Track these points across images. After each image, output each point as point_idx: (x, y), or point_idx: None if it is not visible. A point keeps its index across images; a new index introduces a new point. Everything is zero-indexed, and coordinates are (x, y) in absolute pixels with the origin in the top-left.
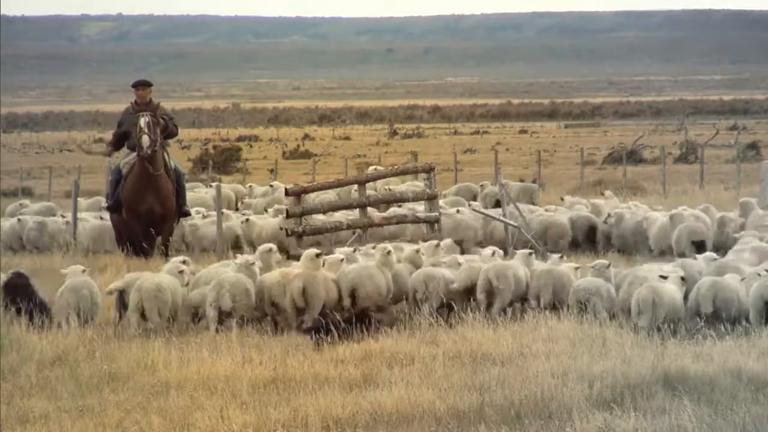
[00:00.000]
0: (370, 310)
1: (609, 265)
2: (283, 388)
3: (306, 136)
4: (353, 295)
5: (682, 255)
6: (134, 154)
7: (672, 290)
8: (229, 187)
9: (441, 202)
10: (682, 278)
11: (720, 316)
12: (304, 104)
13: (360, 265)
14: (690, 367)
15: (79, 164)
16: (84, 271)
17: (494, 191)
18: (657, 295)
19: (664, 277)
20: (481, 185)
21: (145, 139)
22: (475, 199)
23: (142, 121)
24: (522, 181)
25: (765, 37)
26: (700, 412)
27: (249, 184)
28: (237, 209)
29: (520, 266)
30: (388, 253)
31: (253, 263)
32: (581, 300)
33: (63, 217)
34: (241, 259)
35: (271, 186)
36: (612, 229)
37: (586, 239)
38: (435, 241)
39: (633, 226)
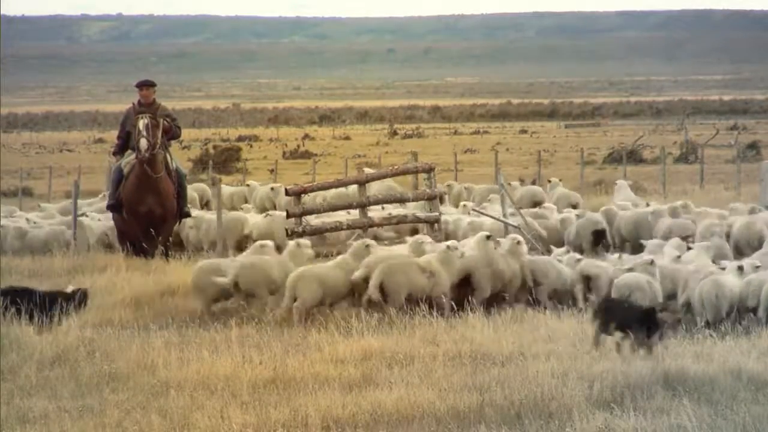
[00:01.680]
0: (656, 310)
1: (652, 261)
2: (283, 388)
3: (306, 136)
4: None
5: (579, 249)
6: (135, 154)
7: (733, 283)
8: (191, 187)
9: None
10: (740, 267)
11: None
12: (304, 104)
13: (479, 253)
14: (690, 367)
15: (79, 164)
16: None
17: (461, 191)
18: (719, 289)
19: (723, 268)
20: (448, 185)
21: (143, 143)
22: (441, 200)
23: (141, 124)
24: (522, 181)
25: (765, 37)
26: (700, 412)
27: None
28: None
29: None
30: (518, 243)
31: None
32: (623, 295)
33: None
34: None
35: (248, 185)
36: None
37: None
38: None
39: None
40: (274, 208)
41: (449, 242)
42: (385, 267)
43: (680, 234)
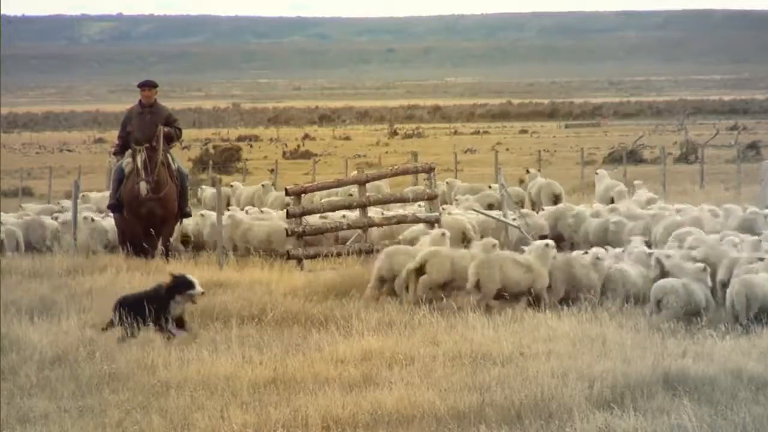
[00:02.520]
0: None
1: (705, 268)
2: (283, 388)
3: (306, 136)
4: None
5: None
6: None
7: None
8: None
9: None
10: None
11: None
12: (304, 104)
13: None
14: (690, 367)
15: (79, 164)
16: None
17: (441, 191)
18: (749, 288)
19: (762, 259)
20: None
21: (143, 187)
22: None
23: (139, 161)
24: (522, 182)
25: (765, 37)
26: (700, 412)
27: (201, 186)
28: None
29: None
30: (598, 257)
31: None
32: (658, 298)
33: None
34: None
35: (231, 186)
36: None
37: None
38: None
39: None
40: (262, 206)
41: (547, 240)
42: (481, 260)
43: (614, 235)
